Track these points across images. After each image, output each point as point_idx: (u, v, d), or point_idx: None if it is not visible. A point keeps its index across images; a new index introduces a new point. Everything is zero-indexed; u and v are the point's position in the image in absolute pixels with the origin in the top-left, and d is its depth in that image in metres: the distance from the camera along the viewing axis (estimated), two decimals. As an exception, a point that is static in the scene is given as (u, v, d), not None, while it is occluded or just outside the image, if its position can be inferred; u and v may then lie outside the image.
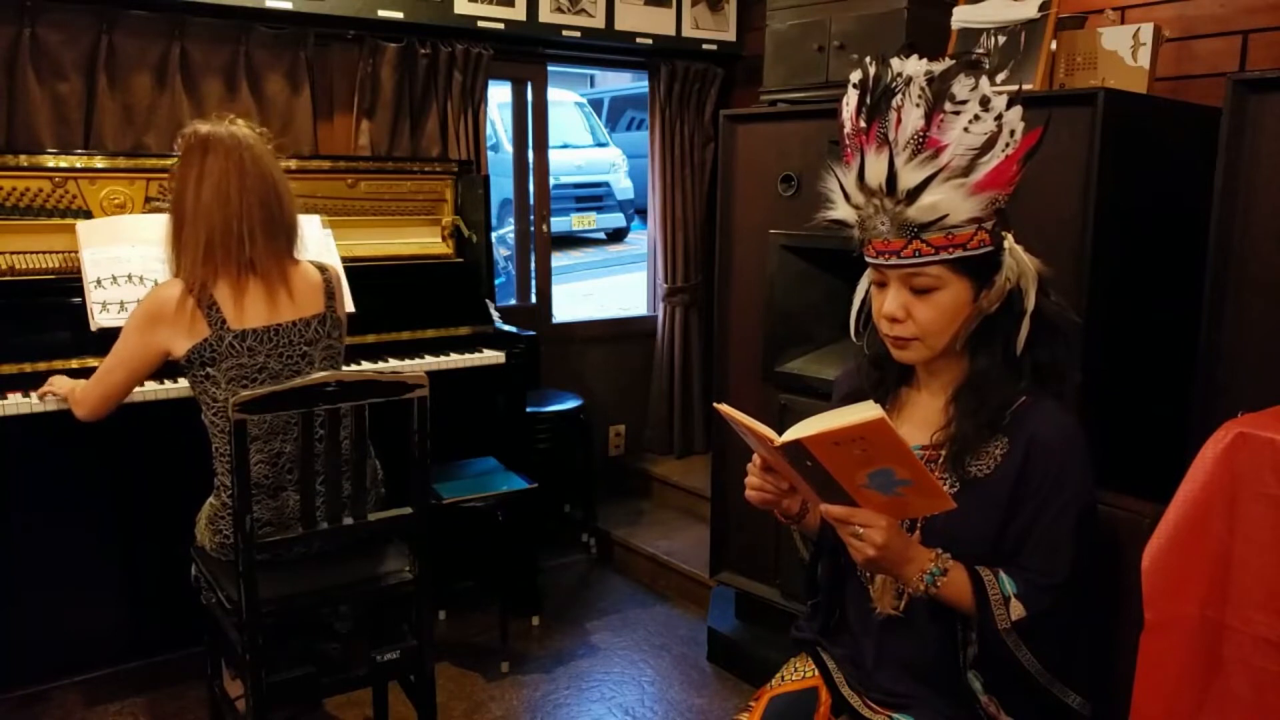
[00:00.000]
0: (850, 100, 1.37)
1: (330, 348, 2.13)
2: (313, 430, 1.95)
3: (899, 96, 1.30)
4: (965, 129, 1.28)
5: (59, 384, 2.29)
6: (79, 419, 2.13)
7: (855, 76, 1.36)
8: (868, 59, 1.35)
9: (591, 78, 11.60)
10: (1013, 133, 1.31)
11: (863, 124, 1.34)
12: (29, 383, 2.38)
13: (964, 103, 1.28)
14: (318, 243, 2.75)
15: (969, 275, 1.34)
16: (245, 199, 1.96)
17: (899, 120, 1.30)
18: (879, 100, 1.32)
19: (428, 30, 3.27)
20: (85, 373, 2.40)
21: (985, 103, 1.29)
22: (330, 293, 2.13)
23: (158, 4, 2.87)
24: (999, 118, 1.29)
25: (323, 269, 2.16)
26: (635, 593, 3.43)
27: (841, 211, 1.40)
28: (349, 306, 2.44)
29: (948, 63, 1.31)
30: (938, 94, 1.28)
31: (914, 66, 1.31)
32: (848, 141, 1.38)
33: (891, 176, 1.30)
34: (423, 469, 2.03)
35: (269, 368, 2.01)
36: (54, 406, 2.30)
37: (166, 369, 2.29)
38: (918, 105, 1.28)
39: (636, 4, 3.66)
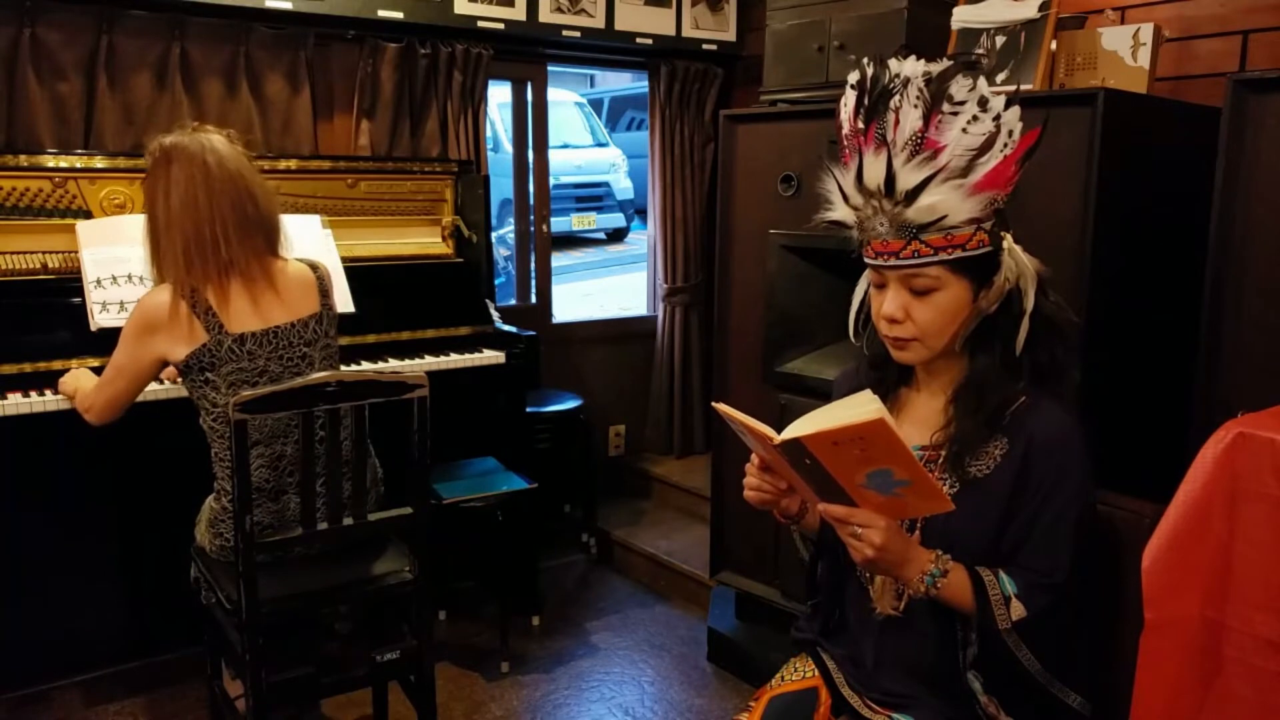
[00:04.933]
0: (848, 101, 1.37)
1: (327, 346, 2.12)
2: (313, 430, 1.95)
3: (897, 97, 1.30)
4: (963, 130, 1.28)
5: (66, 383, 2.27)
6: (90, 424, 2.12)
7: (853, 77, 1.36)
8: (865, 60, 1.35)
9: (591, 78, 11.60)
10: (1011, 133, 1.31)
11: (860, 125, 1.34)
12: (29, 383, 2.38)
13: (962, 103, 1.28)
14: (317, 243, 2.75)
15: (968, 276, 1.34)
16: (215, 201, 1.94)
17: (897, 121, 1.30)
18: (877, 101, 1.32)
19: (428, 30, 3.27)
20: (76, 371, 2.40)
21: (983, 103, 1.29)
22: (324, 290, 2.12)
23: (158, 4, 2.87)
24: (997, 118, 1.29)
25: (314, 266, 2.14)
26: (635, 593, 3.43)
27: (840, 213, 1.40)
28: (346, 305, 2.44)
29: (945, 63, 1.31)
30: (935, 95, 1.28)
31: (911, 67, 1.31)
32: (846, 142, 1.38)
33: (890, 178, 1.30)
34: (423, 469, 2.03)
35: (269, 371, 2.00)
36: (55, 407, 2.30)
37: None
38: (916, 106, 1.28)
39: (636, 4, 3.66)
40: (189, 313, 1.94)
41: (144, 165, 2.67)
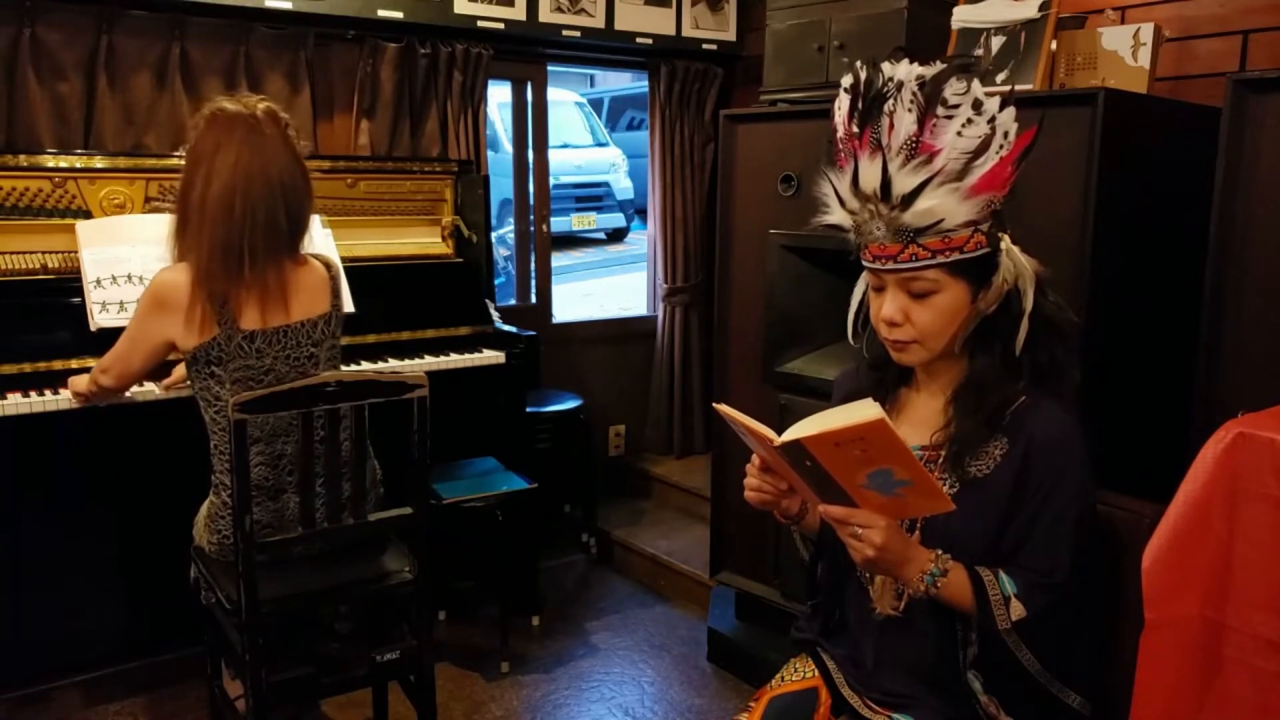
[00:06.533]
0: (842, 105, 1.37)
1: (333, 346, 2.12)
2: (313, 430, 1.94)
3: (891, 101, 1.29)
4: (958, 133, 1.28)
5: (78, 381, 2.26)
6: (111, 387, 2.12)
7: (846, 81, 1.36)
8: (858, 63, 1.35)
9: (591, 78, 11.60)
10: (1006, 134, 1.31)
11: (855, 129, 1.34)
12: (29, 383, 2.38)
13: (956, 106, 1.28)
14: (317, 243, 2.74)
15: (966, 277, 1.34)
16: (250, 210, 1.89)
17: (891, 125, 1.29)
18: (871, 105, 1.31)
19: (428, 30, 3.27)
20: (85, 373, 2.40)
21: (977, 106, 1.29)
22: (336, 290, 2.11)
23: (158, 4, 2.87)
24: (992, 120, 1.29)
25: (328, 264, 2.12)
26: (635, 593, 3.43)
27: (837, 216, 1.40)
28: (349, 305, 2.44)
29: (939, 66, 1.31)
30: (930, 98, 1.28)
31: (905, 70, 1.31)
32: (841, 146, 1.38)
33: (886, 182, 1.30)
34: (422, 469, 2.03)
35: (276, 370, 1.99)
36: (54, 407, 2.30)
37: (167, 366, 2.29)
38: (910, 110, 1.28)
39: (636, 4, 3.66)
40: (204, 302, 1.91)
41: (146, 164, 2.73)
